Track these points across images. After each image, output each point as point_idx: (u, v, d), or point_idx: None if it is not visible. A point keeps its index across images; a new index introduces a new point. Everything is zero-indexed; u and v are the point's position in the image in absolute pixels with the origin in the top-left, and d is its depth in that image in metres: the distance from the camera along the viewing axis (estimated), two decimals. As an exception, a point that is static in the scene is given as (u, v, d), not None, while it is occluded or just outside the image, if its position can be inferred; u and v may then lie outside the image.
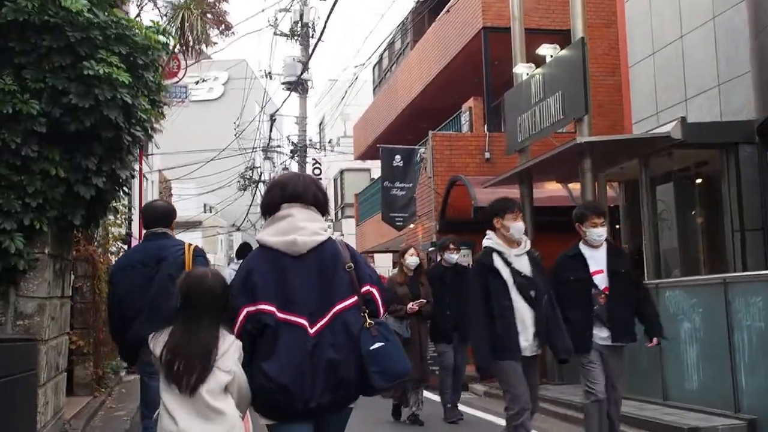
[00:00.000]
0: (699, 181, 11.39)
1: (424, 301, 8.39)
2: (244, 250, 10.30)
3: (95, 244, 12.64)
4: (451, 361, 8.64)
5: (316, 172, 33.89)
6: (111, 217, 13.59)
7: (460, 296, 8.25)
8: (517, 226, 5.41)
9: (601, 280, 5.81)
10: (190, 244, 5.21)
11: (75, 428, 7.72)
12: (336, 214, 33.85)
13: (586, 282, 5.80)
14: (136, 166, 6.90)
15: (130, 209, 18.00)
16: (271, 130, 28.15)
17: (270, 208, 3.36)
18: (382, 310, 3.34)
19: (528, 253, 5.49)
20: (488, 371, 5.47)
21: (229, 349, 3.14)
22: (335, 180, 34.49)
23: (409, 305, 8.27)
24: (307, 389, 3.08)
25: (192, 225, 45.25)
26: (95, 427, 8.49)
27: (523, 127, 11.55)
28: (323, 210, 3.40)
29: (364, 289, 3.28)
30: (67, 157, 6.03)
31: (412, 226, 15.78)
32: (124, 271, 5.13)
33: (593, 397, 5.74)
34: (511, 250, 5.42)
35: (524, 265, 5.42)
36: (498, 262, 5.39)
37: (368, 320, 3.23)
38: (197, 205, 51.15)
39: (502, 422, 6.04)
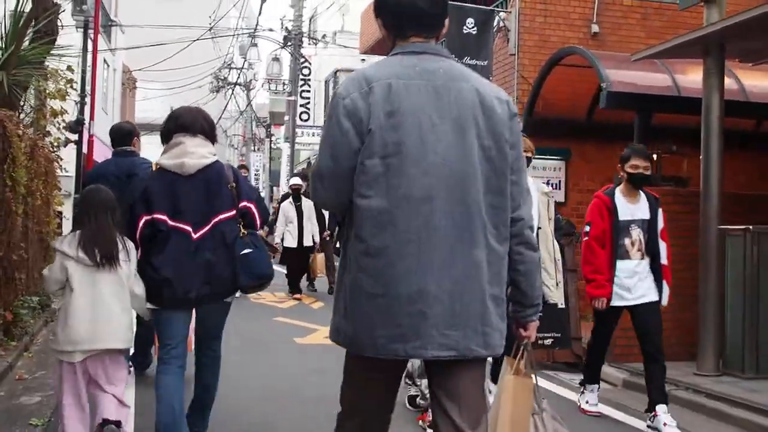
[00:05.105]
0: None
1: None
2: None
3: (21, 114, 8.30)
4: None
5: (305, 71, 29.09)
6: (51, 84, 9.61)
7: None
8: None
9: None
10: (156, 163, 5.36)
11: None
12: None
13: None
14: None
15: (83, 89, 15.64)
16: (260, 12, 23.35)
17: (166, 136, 4.13)
18: (258, 223, 4.13)
19: None
20: None
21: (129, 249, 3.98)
22: (326, 82, 29.64)
23: None
24: (186, 282, 3.87)
25: (157, 128, 41.98)
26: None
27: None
28: (211, 138, 4.17)
29: (242, 204, 4.06)
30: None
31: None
32: (98, 181, 5.19)
33: None
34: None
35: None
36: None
37: (243, 230, 4.02)
38: (164, 107, 48.32)
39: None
